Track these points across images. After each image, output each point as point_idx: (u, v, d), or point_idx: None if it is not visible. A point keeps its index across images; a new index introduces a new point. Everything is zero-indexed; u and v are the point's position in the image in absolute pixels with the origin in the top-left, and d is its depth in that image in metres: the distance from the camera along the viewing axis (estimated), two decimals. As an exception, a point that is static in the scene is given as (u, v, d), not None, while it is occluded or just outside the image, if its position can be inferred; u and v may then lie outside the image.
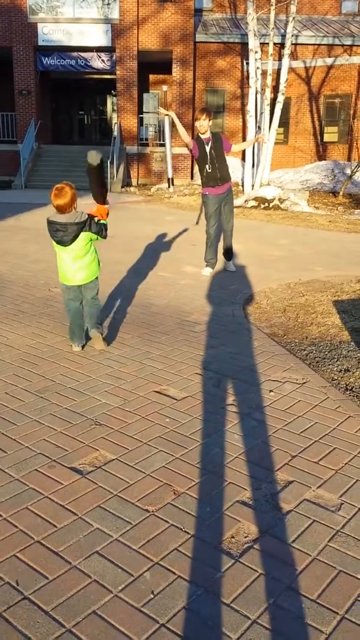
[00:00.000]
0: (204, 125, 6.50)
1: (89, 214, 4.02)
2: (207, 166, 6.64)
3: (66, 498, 2.53)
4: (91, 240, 4.09)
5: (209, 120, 6.55)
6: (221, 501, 2.54)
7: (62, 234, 3.94)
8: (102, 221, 4.13)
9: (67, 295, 4.24)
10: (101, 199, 4.15)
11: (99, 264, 4.27)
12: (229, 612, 1.94)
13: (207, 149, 6.58)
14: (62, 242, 3.99)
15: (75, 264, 4.08)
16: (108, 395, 3.58)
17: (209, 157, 6.60)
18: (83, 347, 4.33)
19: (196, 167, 19.54)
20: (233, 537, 2.31)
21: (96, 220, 4.07)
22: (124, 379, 3.83)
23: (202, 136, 6.60)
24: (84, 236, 4.00)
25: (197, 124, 6.56)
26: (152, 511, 2.46)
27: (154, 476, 2.71)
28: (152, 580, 2.07)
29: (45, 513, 2.42)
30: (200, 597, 2.00)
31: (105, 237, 4.15)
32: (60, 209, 3.94)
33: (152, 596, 1.99)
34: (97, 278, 4.27)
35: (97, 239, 4.12)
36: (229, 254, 7.17)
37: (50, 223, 3.98)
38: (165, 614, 1.92)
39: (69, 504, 2.49)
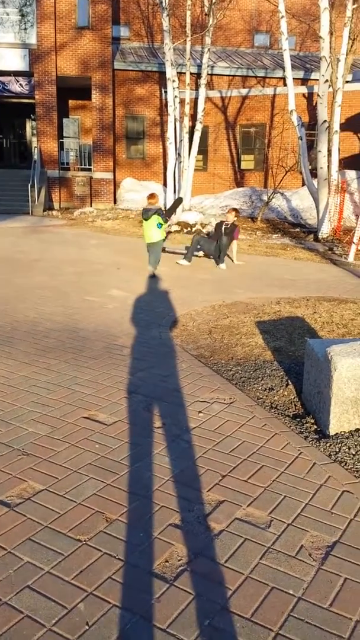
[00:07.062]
0: None
1: (160, 208, 8.40)
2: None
3: (-6, 533, 2.44)
4: (158, 222, 8.30)
5: None
6: (154, 526, 2.53)
7: (147, 213, 8.26)
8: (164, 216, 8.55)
9: (147, 247, 8.52)
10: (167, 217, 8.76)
11: (162, 235, 8.48)
12: (165, 637, 1.93)
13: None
14: (145, 218, 8.30)
15: (149, 230, 8.38)
16: (35, 423, 3.50)
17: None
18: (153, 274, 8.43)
19: (119, 192, 19.78)
20: (167, 561, 2.31)
21: (162, 212, 8.48)
22: (51, 406, 3.76)
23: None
24: (155, 217, 8.27)
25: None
26: (84, 541, 2.42)
27: (85, 504, 2.67)
28: (87, 611, 2.03)
29: (-28, 550, 2.32)
30: (136, 625, 1.98)
31: (166, 221, 8.46)
32: (150, 204, 8.32)
33: (87, 627, 1.95)
34: (161, 240, 8.46)
35: (160, 221, 8.30)
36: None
37: (144, 209, 8.40)
38: (101, 645, 1.89)
39: (-3, 538, 2.40)
